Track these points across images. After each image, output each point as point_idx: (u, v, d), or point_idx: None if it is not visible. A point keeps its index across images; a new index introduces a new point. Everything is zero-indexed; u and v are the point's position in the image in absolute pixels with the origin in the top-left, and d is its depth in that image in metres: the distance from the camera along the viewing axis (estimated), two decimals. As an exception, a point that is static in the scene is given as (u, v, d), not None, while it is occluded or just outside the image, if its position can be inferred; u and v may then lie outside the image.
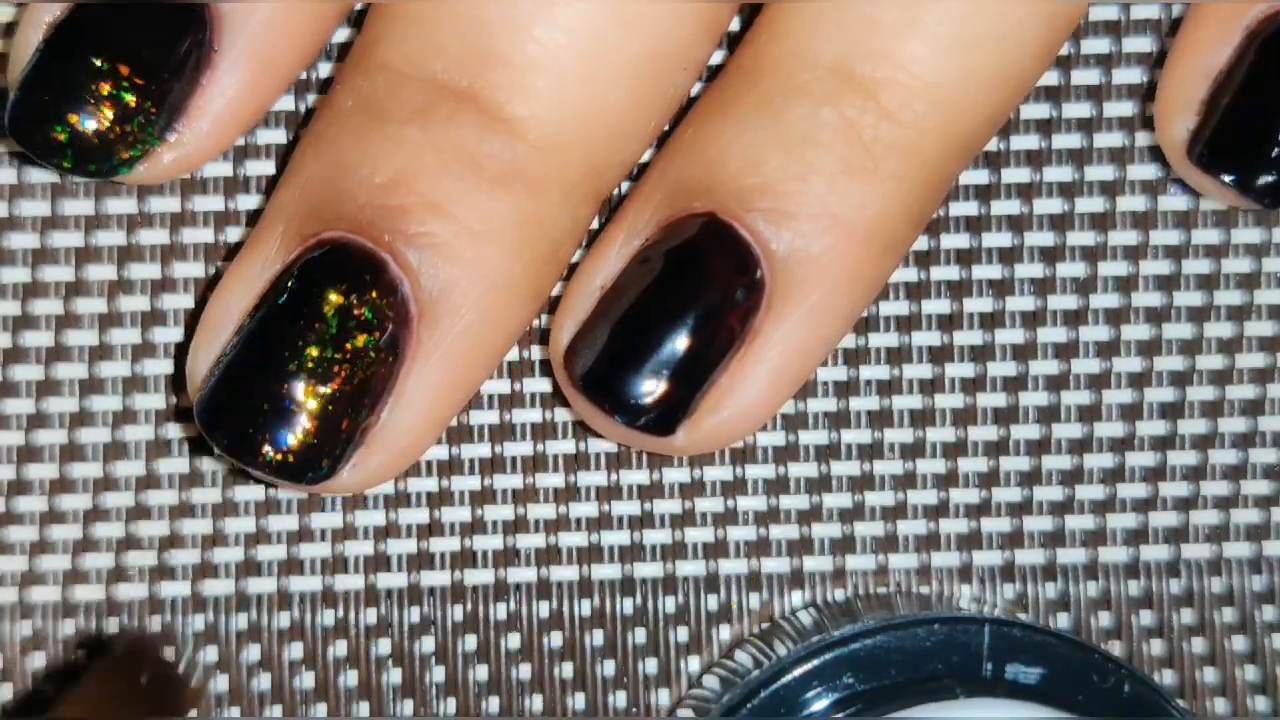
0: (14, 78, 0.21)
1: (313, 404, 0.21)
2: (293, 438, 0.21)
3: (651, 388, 0.21)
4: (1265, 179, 0.22)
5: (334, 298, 0.21)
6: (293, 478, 0.21)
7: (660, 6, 0.21)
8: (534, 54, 0.21)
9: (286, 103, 0.24)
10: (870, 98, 0.21)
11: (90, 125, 0.21)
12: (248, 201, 0.24)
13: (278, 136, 0.24)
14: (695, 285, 0.21)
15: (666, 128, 0.23)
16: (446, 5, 0.21)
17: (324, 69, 0.24)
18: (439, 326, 0.21)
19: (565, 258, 0.23)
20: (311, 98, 0.24)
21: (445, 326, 0.21)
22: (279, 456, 0.21)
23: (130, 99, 0.21)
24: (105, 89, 0.21)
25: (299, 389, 0.21)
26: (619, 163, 0.22)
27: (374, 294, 0.21)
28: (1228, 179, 0.23)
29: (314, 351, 0.21)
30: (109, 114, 0.21)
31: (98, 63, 0.21)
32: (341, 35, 0.24)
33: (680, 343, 0.21)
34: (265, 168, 0.24)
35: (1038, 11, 0.21)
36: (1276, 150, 0.22)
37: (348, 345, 0.21)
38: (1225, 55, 0.23)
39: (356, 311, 0.21)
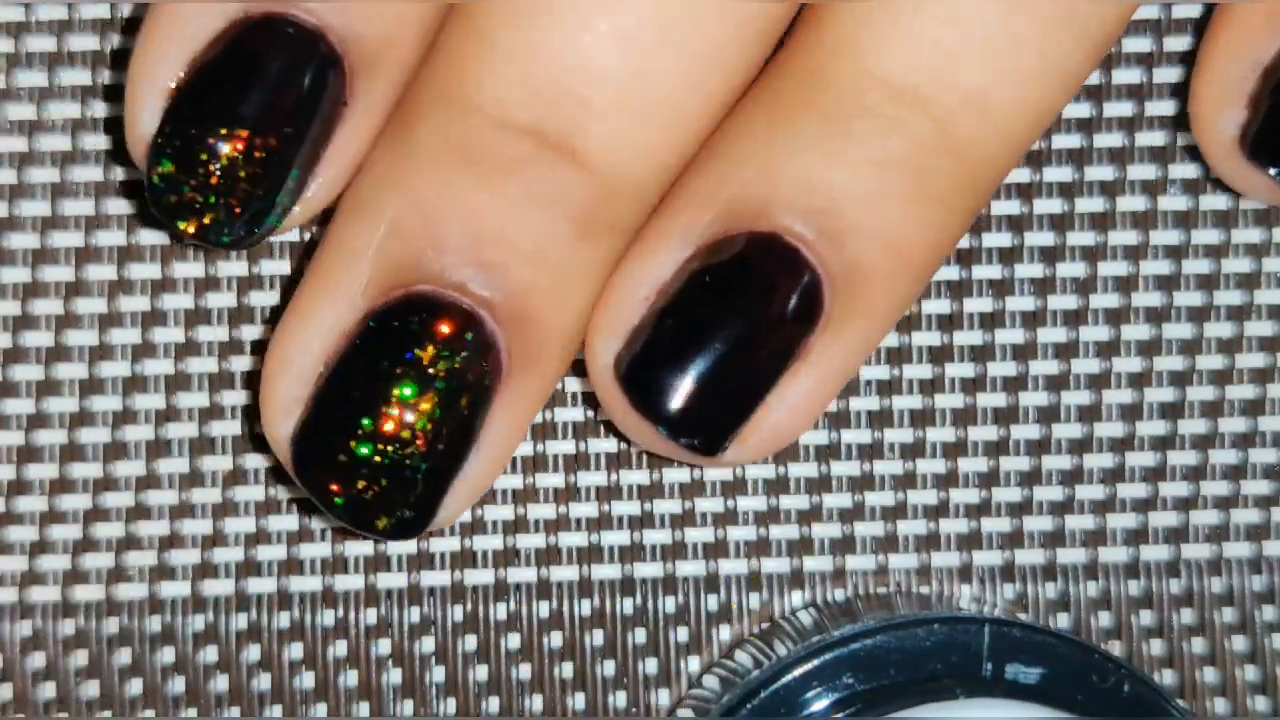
0: (139, 153, 0.21)
1: (410, 464, 0.21)
2: (401, 501, 0.21)
3: (708, 407, 0.21)
4: None
5: (431, 353, 0.20)
6: (390, 535, 0.21)
7: (742, 50, 0.21)
8: (623, 98, 0.20)
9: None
10: (939, 127, 0.21)
11: (235, 208, 0.20)
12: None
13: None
14: (758, 306, 0.21)
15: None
16: (542, 43, 0.20)
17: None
18: (526, 375, 0.21)
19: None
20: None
21: (530, 374, 0.21)
22: (390, 523, 0.21)
23: (271, 171, 0.20)
24: (244, 165, 0.20)
25: (406, 445, 0.20)
26: (676, 175, 0.22)
27: (470, 353, 0.21)
28: (1274, 171, 0.22)
29: (410, 401, 0.20)
30: (251, 188, 0.20)
31: (238, 134, 0.20)
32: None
33: (739, 363, 0.21)
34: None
35: (1085, 43, 0.21)
36: None
37: (448, 402, 0.21)
38: (1275, 45, 0.22)
39: (453, 367, 0.20)
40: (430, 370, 0.20)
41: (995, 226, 0.25)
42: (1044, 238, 0.25)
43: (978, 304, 0.25)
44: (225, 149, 0.20)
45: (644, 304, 0.21)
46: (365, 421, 0.20)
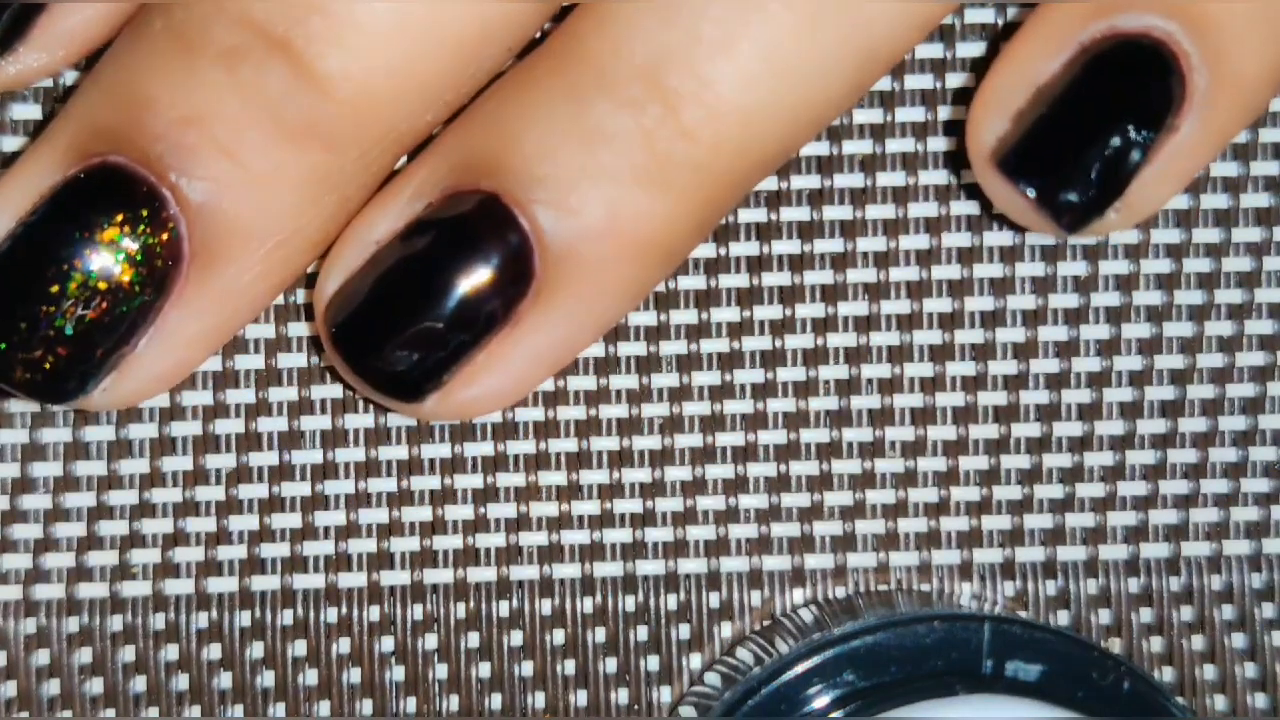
0: None
1: (69, 329, 0.21)
2: (46, 360, 0.21)
3: (405, 353, 0.21)
4: (1066, 196, 0.22)
5: (108, 226, 0.21)
6: (41, 396, 0.21)
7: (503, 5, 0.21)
8: (359, 12, 0.20)
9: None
10: (672, 111, 0.21)
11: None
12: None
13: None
14: (467, 262, 0.21)
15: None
16: None
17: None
18: (210, 270, 0.21)
19: (353, 211, 0.22)
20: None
21: (216, 270, 0.21)
22: (28, 376, 0.21)
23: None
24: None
25: (57, 312, 0.21)
26: (423, 127, 0.22)
27: (149, 229, 0.21)
28: (1029, 191, 0.22)
29: (78, 276, 0.21)
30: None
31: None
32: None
33: (442, 315, 0.21)
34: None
35: (854, 51, 0.21)
36: (1083, 169, 0.22)
37: (114, 275, 0.21)
38: (1053, 67, 0.22)
39: (128, 244, 0.21)
40: (106, 240, 0.21)
41: (996, 225, 0.25)
42: (1044, 236, 0.25)
43: (978, 302, 0.25)
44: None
45: (369, 249, 0.22)
46: (43, 286, 0.21)
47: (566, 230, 0.21)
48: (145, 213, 0.21)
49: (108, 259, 0.21)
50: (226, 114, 0.21)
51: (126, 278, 0.21)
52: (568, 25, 0.22)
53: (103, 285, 0.21)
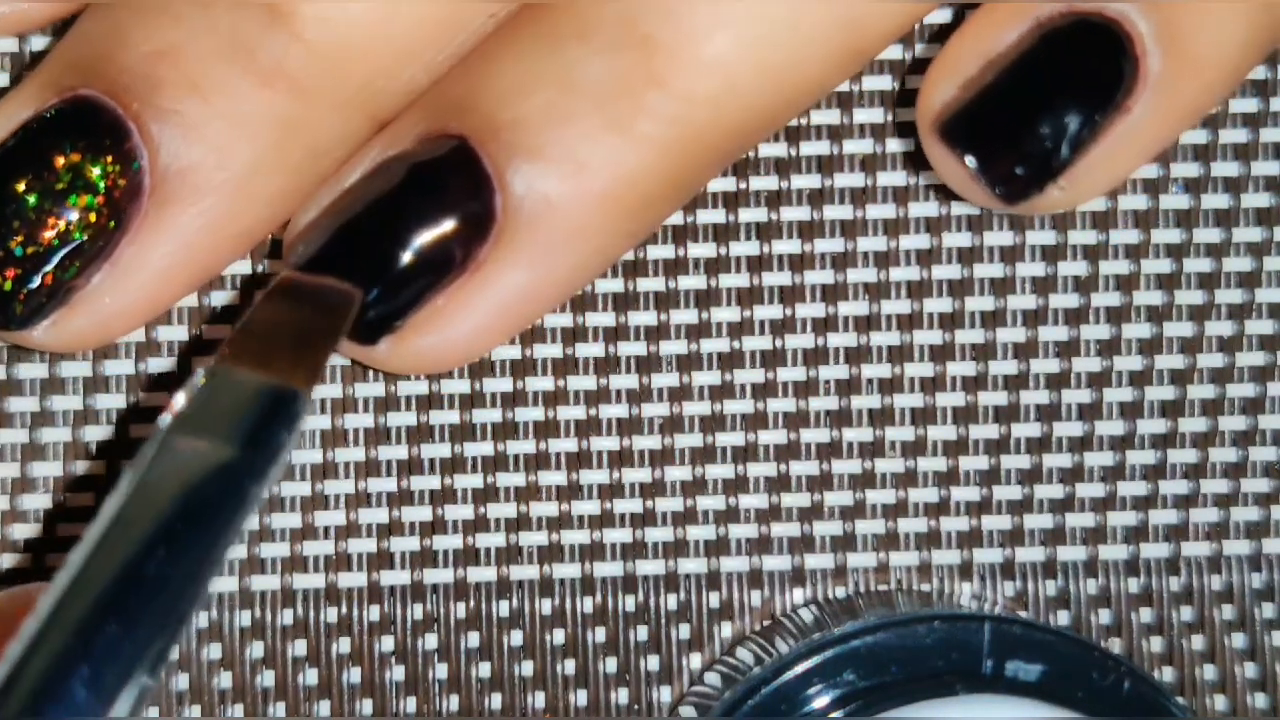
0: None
1: (19, 251, 0.21)
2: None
3: (358, 293, 0.21)
4: (1005, 167, 0.22)
5: (68, 152, 0.21)
6: None
7: None
8: None
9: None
10: (648, 58, 0.21)
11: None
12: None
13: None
14: (425, 202, 0.21)
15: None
16: None
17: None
18: (170, 206, 0.21)
19: (326, 170, 0.22)
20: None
21: (177, 207, 0.21)
22: None
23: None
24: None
25: (8, 233, 0.21)
26: (403, 86, 0.22)
27: (109, 159, 0.21)
28: (969, 159, 0.22)
29: (32, 200, 0.21)
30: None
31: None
32: None
33: (398, 255, 0.21)
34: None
35: (841, 24, 0.21)
36: (1025, 142, 0.22)
37: (69, 202, 0.21)
38: (1007, 39, 0.22)
39: (86, 172, 0.21)
40: (65, 166, 0.21)
41: (996, 225, 0.25)
42: (1045, 236, 0.25)
43: (979, 302, 0.25)
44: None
45: (338, 191, 0.22)
46: (2, 211, 0.21)
47: (530, 174, 0.21)
48: (108, 142, 0.21)
49: (65, 186, 0.21)
50: (197, 50, 0.21)
51: (82, 204, 0.21)
52: None
53: (58, 212, 0.21)
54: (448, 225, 0.21)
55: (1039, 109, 0.22)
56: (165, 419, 0.17)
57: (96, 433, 0.24)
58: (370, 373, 0.24)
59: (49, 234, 0.21)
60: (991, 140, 0.22)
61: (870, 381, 0.25)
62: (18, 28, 0.23)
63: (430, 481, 0.24)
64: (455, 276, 0.21)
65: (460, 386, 0.24)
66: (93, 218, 0.21)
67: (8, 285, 0.21)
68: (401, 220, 0.21)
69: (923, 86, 0.22)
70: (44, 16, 0.23)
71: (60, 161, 0.21)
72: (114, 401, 0.24)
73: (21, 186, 0.21)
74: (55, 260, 0.21)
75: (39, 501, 0.24)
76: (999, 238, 0.25)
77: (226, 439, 0.17)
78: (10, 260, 0.21)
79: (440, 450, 0.24)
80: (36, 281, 0.21)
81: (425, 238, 0.21)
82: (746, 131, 0.22)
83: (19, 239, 0.21)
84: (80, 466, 0.24)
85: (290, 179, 0.22)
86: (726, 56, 0.21)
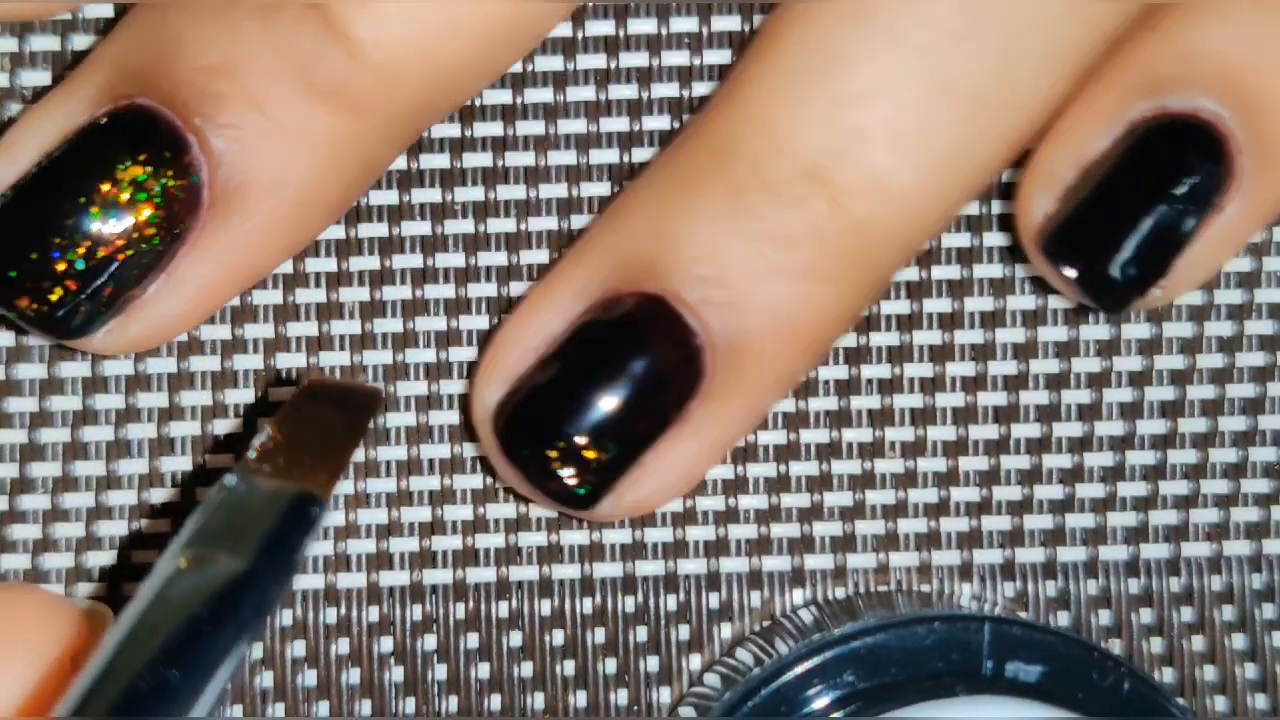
0: None
1: (81, 264, 0.21)
2: (53, 292, 0.21)
3: (582, 462, 0.21)
4: (1107, 277, 0.22)
5: (130, 165, 0.21)
6: (44, 328, 0.22)
7: None
8: None
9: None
10: (839, 206, 0.21)
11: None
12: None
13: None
14: (636, 365, 0.21)
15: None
16: None
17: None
18: (228, 220, 0.21)
19: (373, 178, 0.23)
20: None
21: (233, 221, 0.22)
22: (34, 306, 0.21)
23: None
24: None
25: (70, 245, 0.21)
26: (451, 104, 0.22)
27: (170, 173, 0.21)
28: (1070, 272, 0.22)
29: (96, 213, 0.21)
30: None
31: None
32: None
33: (614, 420, 0.21)
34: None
35: (1002, 133, 0.21)
36: (1125, 252, 0.22)
37: (131, 216, 0.21)
38: (1101, 146, 0.22)
39: (148, 185, 0.21)
40: (127, 179, 0.21)
41: (996, 226, 0.25)
42: (1045, 236, 0.25)
43: (978, 303, 0.25)
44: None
45: (533, 354, 0.22)
46: (60, 219, 0.21)
47: (734, 328, 0.21)
48: (168, 155, 0.21)
49: (126, 198, 0.21)
50: (257, 65, 0.21)
51: (143, 218, 0.21)
52: (716, 115, 0.22)
53: (119, 224, 0.21)
54: (659, 386, 0.21)
55: (1136, 219, 0.22)
56: (189, 524, 0.18)
57: (95, 433, 0.24)
58: (369, 373, 0.24)
59: (108, 246, 0.21)
60: (1092, 254, 0.22)
61: (870, 382, 0.25)
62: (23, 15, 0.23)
63: (430, 482, 0.24)
64: (669, 431, 0.22)
65: (459, 387, 0.24)
66: (151, 231, 0.21)
67: (68, 298, 0.21)
68: (613, 387, 0.21)
69: (1020, 197, 0.23)
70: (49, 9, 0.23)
71: (121, 173, 0.21)
72: (113, 402, 0.24)
73: (82, 198, 0.21)
74: (113, 271, 0.21)
75: (38, 502, 0.24)
76: (998, 238, 0.25)
77: (245, 551, 0.17)
78: (71, 272, 0.21)
79: (440, 451, 0.24)
80: (95, 292, 0.21)
81: (639, 402, 0.21)
82: (916, 246, 0.23)
83: (80, 251, 0.21)
84: (79, 467, 0.24)
85: (344, 193, 0.22)
86: (913, 192, 0.21)
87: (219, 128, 0.21)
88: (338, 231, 0.24)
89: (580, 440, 0.21)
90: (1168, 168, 0.22)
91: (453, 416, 0.24)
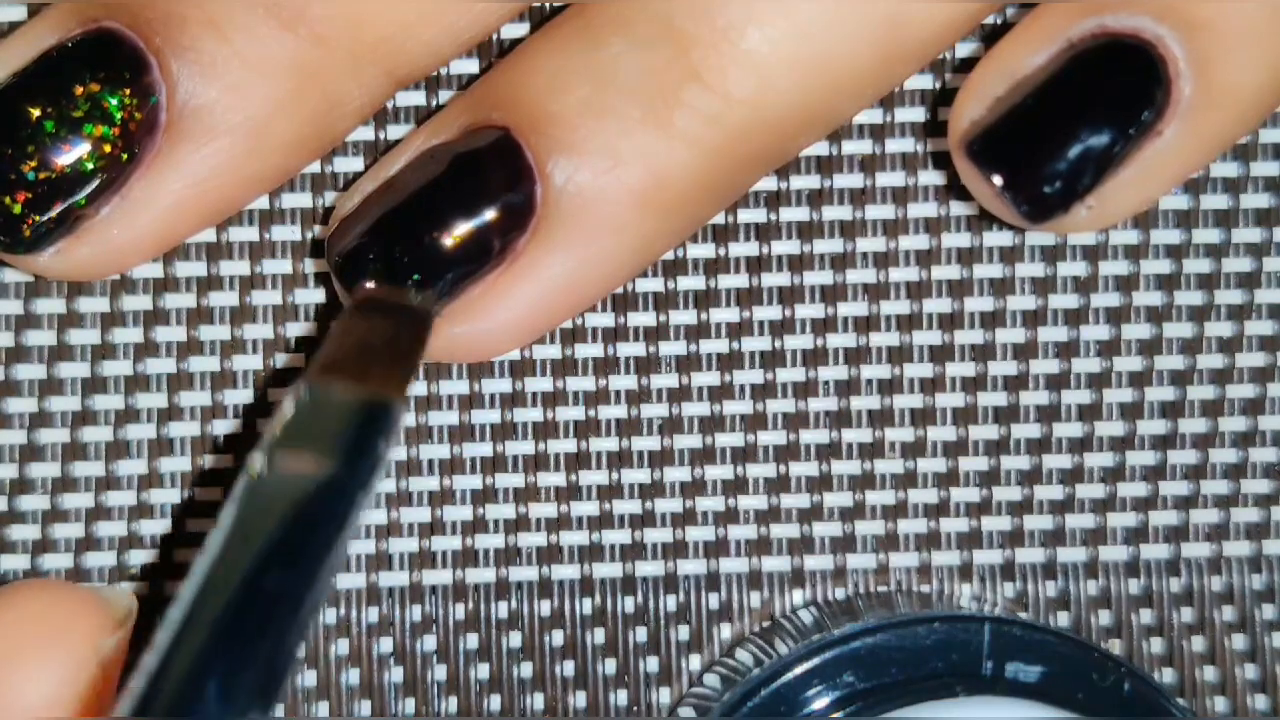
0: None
1: (31, 175, 0.21)
2: (2, 202, 0.21)
3: (403, 284, 0.21)
4: (1031, 187, 0.22)
5: (88, 83, 0.21)
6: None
7: None
8: None
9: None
10: (684, 55, 0.21)
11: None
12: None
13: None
14: (466, 191, 0.21)
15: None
16: None
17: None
18: (184, 143, 0.22)
19: (341, 123, 0.23)
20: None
21: (190, 145, 0.22)
22: None
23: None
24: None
25: (22, 156, 0.21)
26: (424, 47, 0.22)
27: (127, 91, 0.21)
28: (995, 179, 0.22)
29: (49, 127, 0.21)
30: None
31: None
32: None
33: (436, 244, 0.21)
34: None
35: (880, 22, 0.21)
36: (1052, 162, 0.22)
37: (84, 131, 0.21)
38: (1037, 60, 0.22)
39: (104, 102, 0.21)
40: (84, 95, 0.21)
41: (996, 226, 0.25)
42: (1045, 237, 0.25)
43: (978, 303, 0.25)
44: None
45: (378, 182, 0.22)
46: (16, 133, 0.21)
47: (570, 168, 0.21)
48: (127, 75, 0.21)
49: (82, 113, 0.21)
50: None
51: (97, 134, 0.21)
52: None
53: (72, 138, 0.21)
54: (488, 215, 0.21)
55: (1066, 129, 0.22)
56: (270, 434, 0.18)
57: (94, 434, 0.24)
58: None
59: (62, 160, 0.21)
60: (1017, 160, 0.22)
61: (870, 382, 0.25)
62: None
63: (429, 482, 0.24)
64: (493, 267, 0.22)
65: (459, 387, 0.24)
66: (107, 148, 0.21)
67: (17, 208, 0.21)
68: (443, 209, 0.21)
69: (954, 105, 0.23)
70: None
71: (79, 90, 0.21)
72: (112, 403, 0.24)
73: (38, 112, 0.21)
74: (66, 187, 0.21)
75: (38, 503, 0.24)
76: (999, 238, 0.25)
77: (331, 454, 0.18)
78: (21, 183, 0.21)
79: (439, 451, 0.24)
80: (46, 206, 0.21)
81: (465, 227, 0.21)
82: (785, 131, 0.22)
83: (32, 163, 0.21)
84: (79, 468, 0.24)
85: (305, 127, 0.22)
86: (762, 53, 0.21)
87: (180, 50, 0.21)
88: (337, 232, 0.24)
89: (402, 259, 0.21)
90: (1101, 83, 0.22)
91: (452, 417, 0.24)
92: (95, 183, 0.21)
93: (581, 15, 0.22)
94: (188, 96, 0.21)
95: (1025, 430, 0.25)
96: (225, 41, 0.21)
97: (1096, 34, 0.22)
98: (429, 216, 0.21)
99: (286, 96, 0.22)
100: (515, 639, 0.24)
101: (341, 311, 0.21)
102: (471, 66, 0.24)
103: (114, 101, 0.21)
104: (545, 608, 0.24)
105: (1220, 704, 0.25)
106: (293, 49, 0.21)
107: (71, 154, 0.21)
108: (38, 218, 0.21)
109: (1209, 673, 0.25)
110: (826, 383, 0.25)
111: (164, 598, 0.24)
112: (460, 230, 0.21)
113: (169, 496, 0.24)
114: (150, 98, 0.21)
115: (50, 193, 0.21)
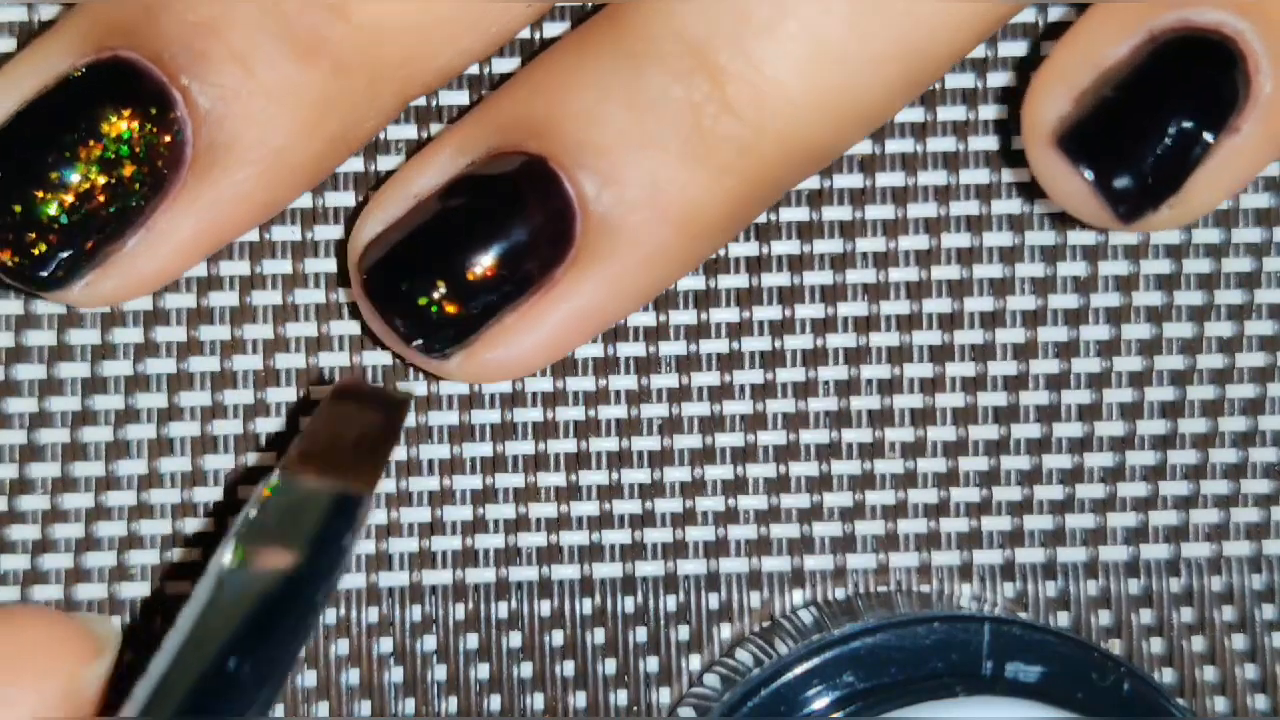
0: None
1: (64, 218, 0.21)
2: (35, 246, 0.21)
3: (437, 307, 0.21)
4: (1124, 183, 0.22)
5: (116, 120, 0.21)
6: (24, 281, 0.22)
7: None
8: None
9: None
10: (719, 87, 0.21)
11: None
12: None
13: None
14: (508, 220, 0.21)
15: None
16: None
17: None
18: (209, 176, 0.22)
19: (356, 142, 0.23)
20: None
21: (215, 178, 0.22)
22: (15, 259, 0.21)
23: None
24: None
25: (53, 198, 0.21)
26: (436, 68, 0.22)
27: (155, 129, 0.21)
28: (1088, 173, 0.22)
29: (80, 167, 0.21)
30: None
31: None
32: None
33: (478, 271, 0.21)
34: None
35: (905, 46, 0.21)
36: (1143, 159, 0.22)
37: (114, 169, 0.21)
38: (1119, 52, 0.22)
39: (133, 140, 0.21)
40: (112, 133, 0.21)
41: (996, 226, 0.25)
42: (1045, 237, 0.25)
43: (978, 303, 0.25)
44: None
45: (410, 201, 0.22)
46: (42, 171, 0.21)
47: (608, 198, 0.21)
48: (153, 111, 0.21)
49: (111, 152, 0.21)
50: (242, 23, 0.21)
51: (127, 173, 0.21)
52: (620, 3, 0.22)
53: (102, 178, 0.21)
54: (529, 247, 0.21)
55: (1157, 126, 0.21)
56: (242, 523, 0.18)
57: (94, 434, 0.24)
58: (369, 373, 0.24)
59: (91, 200, 0.21)
60: (1112, 156, 0.22)
61: (870, 382, 0.25)
62: None
63: (429, 482, 0.24)
64: (529, 295, 0.22)
65: (459, 387, 0.24)
66: (135, 186, 0.21)
67: (49, 251, 0.21)
68: (481, 237, 0.21)
69: (1031, 96, 0.22)
70: None
71: (108, 127, 0.21)
72: (112, 403, 0.24)
73: (64, 148, 0.21)
74: (94, 225, 0.21)
75: (37, 503, 0.24)
76: (998, 238, 0.25)
77: (299, 546, 0.18)
78: (52, 226, 0.21)
79: (439, 451, 0.24)
80: (73, 244, 0.21)
81: (505, 257, 0.21)
82: (812, 158, 0.22)
83: (60, 202, 0.21)
84: (79, 468, 0.24)
85: (323, 153, 0.22)
86: (794, 86, 0.21)
87: (205, 85, 0.21)
88: (337, 232, 0.24)
89: (440, 287, 0.21)
90: (1186, 80, 0.21)
91: (452, 417, 0.24)
92: (121, 218, 0.21)
93: (614, 40, 0.21)
94: (213, 132, 0.21)
95: (1025, 430, 0.25)
96: (250, 76, 0.21)
97: (1177, 27, 0.22)
98: (470, 249, 0.21)
99: (307, 126, 0.22)
100: (515, 639, 0.24)
101: (321, 401, 0.21)
102: (471, 68, 0.24)
103: (142, 139, 0.21)
104: (545, 608, 0.24)
105: (1220, 704, 0.25)
106: (313, 80, 0.21)
107: (100, 192, 0.21)
108: (68, 258, 0.21)
109: (1209, 673, 0.25)
110: (826, 383, 0.25)
111: (164, 598, 0.24)
112: (501, 263, 0.21)
113: (169, 496, 0.24)
114: (176, 133, 0.21)
115: (80, 232, 0.21)
